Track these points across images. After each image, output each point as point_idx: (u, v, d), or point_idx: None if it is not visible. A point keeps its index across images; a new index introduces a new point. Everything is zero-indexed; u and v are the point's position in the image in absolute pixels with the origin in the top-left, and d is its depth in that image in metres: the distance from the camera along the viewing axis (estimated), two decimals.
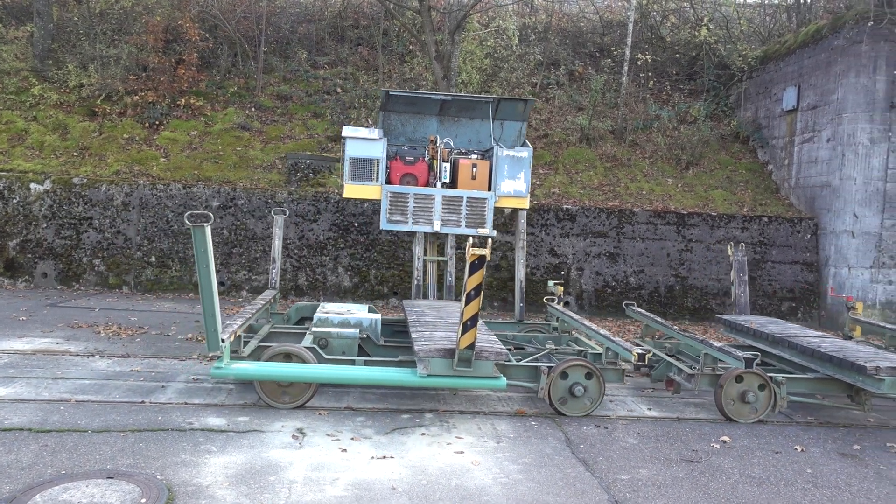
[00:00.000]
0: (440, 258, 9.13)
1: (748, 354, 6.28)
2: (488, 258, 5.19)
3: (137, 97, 13.36)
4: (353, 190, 8.26)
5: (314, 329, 6.65)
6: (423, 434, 5.45)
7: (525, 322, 8.93)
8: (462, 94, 9.45)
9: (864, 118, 11.71)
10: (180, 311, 9.97)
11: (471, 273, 5.15)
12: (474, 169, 8.29)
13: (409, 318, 6.94)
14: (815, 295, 12.43)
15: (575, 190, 13.16)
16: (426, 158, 8.57)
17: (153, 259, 11.63)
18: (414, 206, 8.25)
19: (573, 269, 12.27)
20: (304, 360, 5.88)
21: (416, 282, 8.63)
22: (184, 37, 13.88)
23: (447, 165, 8.44)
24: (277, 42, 15.81)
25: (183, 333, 8.55)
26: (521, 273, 8.88)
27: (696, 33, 15.70)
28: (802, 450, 5.63)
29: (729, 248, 9.31)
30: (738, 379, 6.29)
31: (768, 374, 6.35)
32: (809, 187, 12.88)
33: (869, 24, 11.67)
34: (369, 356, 6.74)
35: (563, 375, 6.09)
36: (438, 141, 8.49)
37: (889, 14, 11.56)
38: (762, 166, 14.41)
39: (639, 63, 15.29)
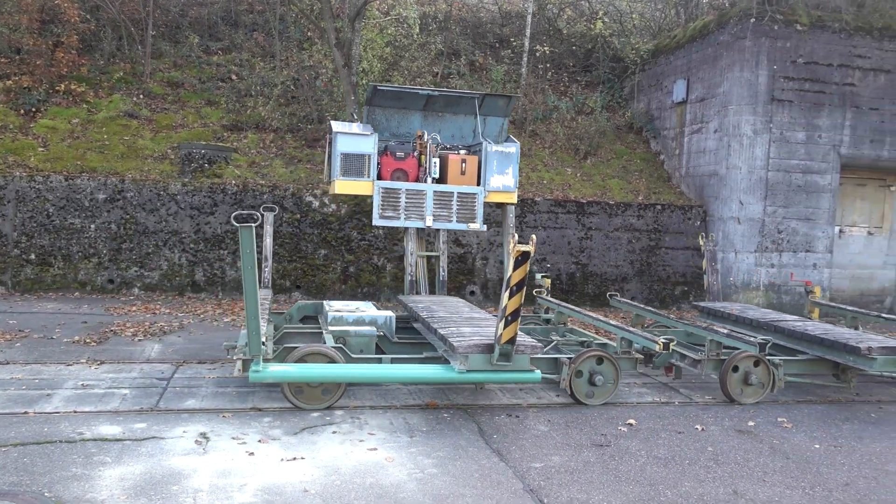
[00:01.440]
0: (432, 253, 9.10)
1: (761, 339, 6.67)
2: (532, 254, 5.17)
3: (10, 82, 12.37)
4: (345, 186, 8.09)
5: (331, 328, 6.48)
6: (335, 432, 5.30)
7: None
8: (448, 89, 9.35)
9: (748, 110, 12.35)
10: (65, 312, 9.32)
11: (514, 268, 5.16)
12: (464, 164, 8.27)
13: (422, 314, 6.88)
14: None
15: None
16: (415, 154, 8.49)
17: (33, 256, 10.81)
18: (406, 202, 8.18)
19: (478, 259, 12.33)
20: (333, 360, 5.78)
21: (409, 277, 8.57)
22: (62, 17, 12.95)
23: (437, 161, 8.36)
24: (166, 26, 15.03)
25: (69, 336, 7.99)
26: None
27: (592, 26, 16.09)
28: (703, 429, 5.86)
29: (700, 238, 9.71)
30: (737, 366, 6.63)
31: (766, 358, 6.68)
32: (698, 176, 13.48)
33: (752, 21, 12.28)
34: (384, 353, 6.58)
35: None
36: (426, 136, 8.42)
37: (770, 11, 12.21)
38: (655, 156, 14.96)
39: (537, 55, 15.52)
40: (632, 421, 5.92)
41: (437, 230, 8.82)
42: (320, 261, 11.71)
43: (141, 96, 13.40)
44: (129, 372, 6.72)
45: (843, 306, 9.10)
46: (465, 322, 6.47)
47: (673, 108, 14.41)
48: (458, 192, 8.31)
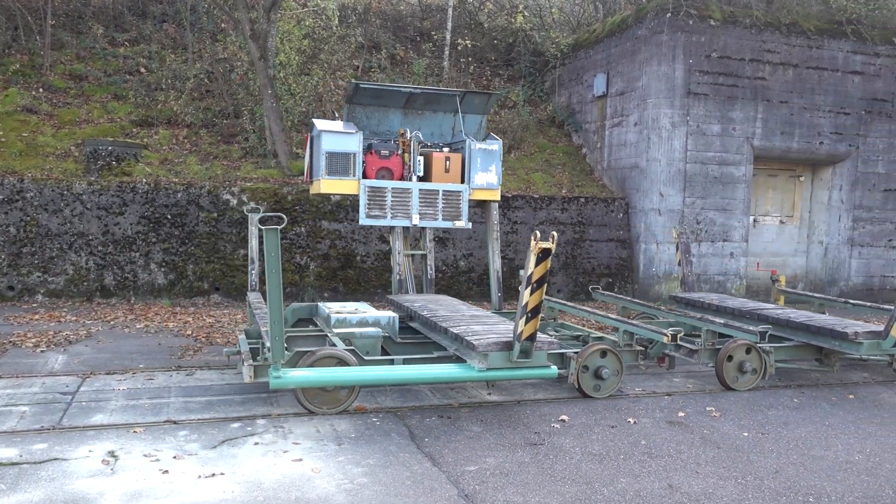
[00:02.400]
0: (419, 251, 8.97)
1: (761, 327, 6.91)
2: (553, 251, 5.23)
3: None
4: (330, 185, 7.91)
5: (336, 330, 6.31)
6: (257, 443, 4.99)
7: (503, 312, 8.66)
8: (429, 87, 9.18)
9: (666, 103, 12.56)
10: None
11: (536, 264, 5.22)
12: (447, 162, 8.20)
13: (423, 313, 6.84)
14: (629, 270, 13.22)
15: None
16: (399, 152, 8.34)
17: None
18: (392, 201, 8.07)
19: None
20: (346, 363, 5.66)
21: (397, 276, 8.49)
22: None
23: (421, 159, 8.29)
24: (67, 15, 14.15)
25: None
26: (497, 263, 8.85)
27: (513, 20, 16.08)
28: (635, 422, 5.83)
29: (674, 231, 9.92)
30: (731, 354, 6.84)
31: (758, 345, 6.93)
32: (620, 169, 13.65)
33: (668, 16, 12.50)
34: (388, 354, 6.43)
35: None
36: (408, 134, 8.32)
37: (685, 6, 12.45)
38: (577, 149, 15.08)
39: (459, 48, 15.40)
40: (564, 417, 5.84)
41: (423, 228, 8.76)
42: (240, 261, 11.24)
43: (40, 90, 12.57)
44: (29, 387, 6.20)
45: (811, 294, 9.64)
46: (472, 320, 6.45)
47: (594, 101, 14.55)
48: (444, 190, 8.24)
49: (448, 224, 8.30)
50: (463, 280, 12.29)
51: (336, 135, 7.85)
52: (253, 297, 7.64)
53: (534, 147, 14.74)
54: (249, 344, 6.27)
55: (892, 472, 4.97)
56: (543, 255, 5.21)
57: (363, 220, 8.02)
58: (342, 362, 5.67)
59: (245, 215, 11.22)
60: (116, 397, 5.98)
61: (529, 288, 5.29)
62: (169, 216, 10.98)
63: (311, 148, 8.28)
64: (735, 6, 13.12)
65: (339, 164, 7.84)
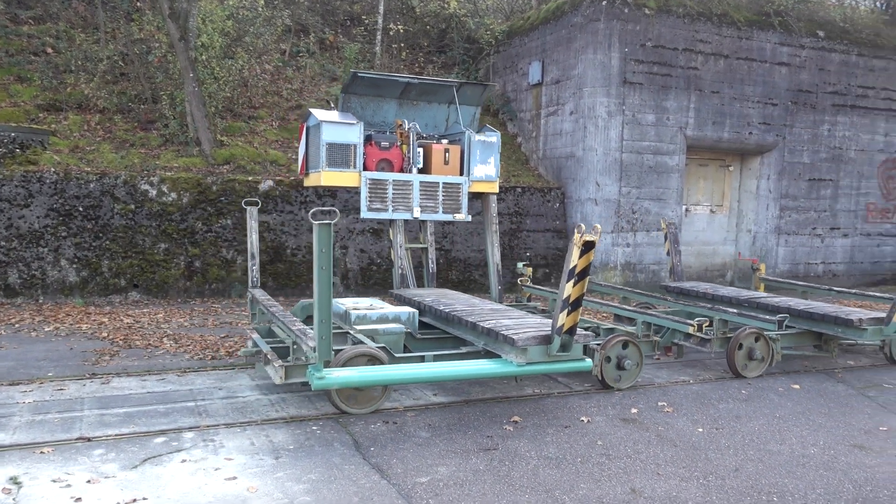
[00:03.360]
0: (419, 245, 8.83)
1: (779, 316, 7.07)
2: (597, 244, 5.25)
3: None
4: (331, 177, 7.64)
5: (359, 327, 6.18)
6: (185, 461, 4.50)
7: (514, 305, 8.51)
8: (426, 77, 8.93)
9: (602, 92, 12.45)
10: None
11: (580, 256, 5.20)
12: (447, 154, 8.02)
13: (441, 308, 6.73)
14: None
15: None
16: (398, 143, 8.10)
17: None
18: (393, 193, 7.85)
19: (337, 248, 11.62)
20: (380, 361, 5.52)
21: (399, 271, 8.31)
22: None
23: (420, 151, 8.10)
24: None
25: None
26: (496, 256, 8.75)
27: (446, 5, 15.70)
28: (588, 420, 5.60)
29: (662, 222, 10.04)
30: (741, 343, 7.00)
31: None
32: (556, 158, 13.50)
33: (603, 3, 12.37)
34: (410, 351, 6.34)
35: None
36: (406, 125, 8.08)
37: None
38: (512, 138, 14.86)
39: (391, 33, 14.93)
40: (516, 418, 5.56)
41: (424, 222, 8.63)
42: (160, 256, 10.53)
43: None
44: None
45: (794, 282, 9.96)
46: (497, 314, 6.37)
47: (529, 90, 14.35)
48: (444, 183, 8.08)
49: (448, 217, 8.13)
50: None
51: (337, 125, 7.54)
52: (259, 294, 7.29)
53: None
54: (269, 343, 6.12)
55: (848, 465, 4.89)
56: (587, 247, 5.17)
57: (364, 214, 7.79)
58: (373, 360, 5.52)
59: (165, 208, 10.52)
60: (20, 412, 5.34)
61: (572, 280, 5.21)
62: (81, 208, 10.16)
63: (307, 139, 7.93)
64: None
65: (339, 155, 7.55)
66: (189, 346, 7.51)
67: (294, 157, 12.33)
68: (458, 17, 15.61)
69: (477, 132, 8.45)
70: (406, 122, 8.15)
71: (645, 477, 4.57)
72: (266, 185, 11.29)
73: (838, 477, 4.68)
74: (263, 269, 11.07)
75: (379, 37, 14.65)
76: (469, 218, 8.42)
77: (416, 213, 7.95)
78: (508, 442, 5.07)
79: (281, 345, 6.12)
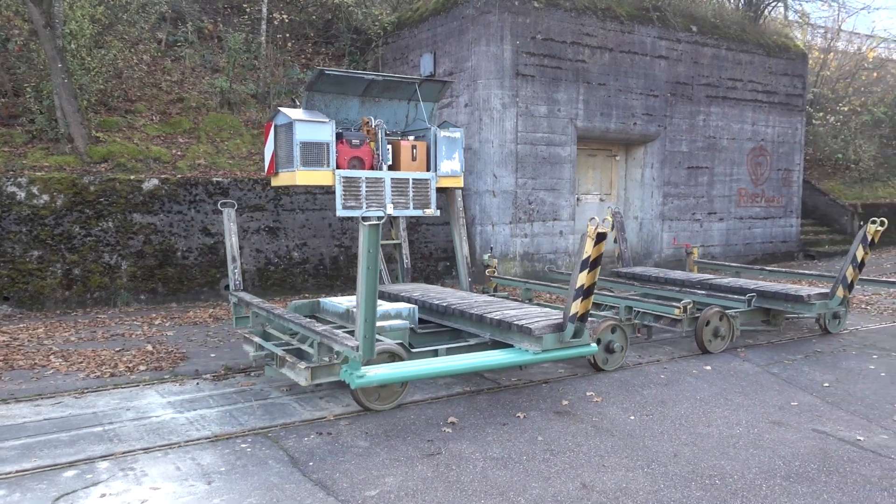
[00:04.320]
0: (393, 241, 8.94)
1: (748, 295, 7.90)
2: (608, 236, 5.59)
3: None
4: (306, 176, 7.53)
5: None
6: (105, 495, 4.04)
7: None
8: (389, 74, 8.85)
9: (496, 84, 12.51)
10: None
11: (593, 246, 5.53)
12: (414, 150, 8.15)
13: (433, 301, 7.01)
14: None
15: (223, 160, 11.83)
16: (368, 141, 8.08)
17: None
18: (366, 191, 7.87)
19: None
20: (400, 357, 5.68)
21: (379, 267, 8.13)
22: None
23: (390, 147, 8.17)
24: None
25: None
26: (465, 249, 8.95)
27: None
28: (524, 416, 5.55)
29: (608, 211, 10.49)
30: (708, 320, 7.55)
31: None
32: None
33: None
34: (412, 346, 6.29)
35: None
36: (372, 122, 8.13)
37: None
38: None
39: (275, 23, 14.34)
40: (453, 419, 5.42)
41: (396, 218, 8.76)
42: (33, 264, 9.58)
43: None
44: None
45: (729, 263, 11.04)
46: (497, 305, 6.71)
47: None
48: (413, 179, 8.17)
49: (419, 212, 8.24)
50: (297, 272, 11.47)
51: (310, 124, 7.49)
52: (248, 297, 7.17)
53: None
54: (279, 345, 6.18)
55: (773, 442, 5.11)
56: (599, 238, 5.50)
57: (340, 212, 7.73)
58: (393, 356, 5.66)
59: (37, 211, 9.58)
60: None
61: (585, 270, 5.55)
62: None
63: (276, 137, 7.85)
64: None
65: (313, 154, 7.49)
66: (81, 363, 6.84)
67: (179, 153, 11.59)
68: (345, 7, 15.21)
69: (453, 127, 8.60)
70: (372, 119, 8.20)
71: (592, 470, 4.57)
72: (150, 183, 10.53)
73: (767, 454, 4.88)
74: (151, 274, 10.34)
75: (264, 26, 14.02)
76: (438, 212, 8.54)
77: (389, 210, 8.00)
78: (451, 444, 4.93)
79: (287, 347, 6.15)
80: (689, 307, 7.41)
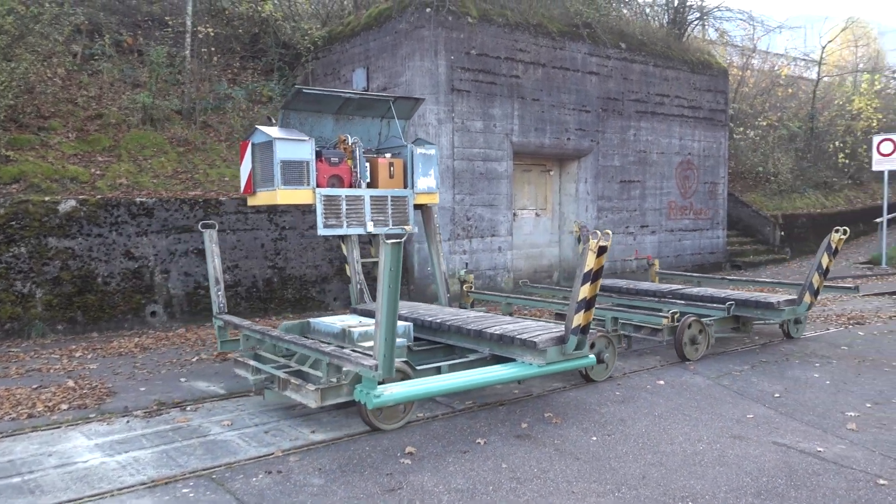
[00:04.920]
0: (373, 259, 8.87)
1: (728, 303, 8.18)
2: (608, 249, 5.67)
3: None
4: (287, 195, 7.41)
5: (363, 344, 6.05)
6: None
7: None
8: (365, 92, 8.85)
9: (432, 100, 12.34)
10: None
11: (594, 259, 5.65)
12: (392, 168, 8.17)
13: (426, 318, 7.03)
14: (404, 271, 12.82)
15: (147, 180, 11.21)
16: (346, 159, 8.06)
17: None
18: (346, 209, 7.82)
19: (157, 273, 10.42)
20: (408, 375, 5.75)
21: (358, 286, 8.24)
22: None
23: (368, 164, 8.13)
24: None
25: None
26: (443, 265, 8.92)
27: (259, 8, 14.81)
28: (485, 442, 5.31)
29: (575, 225, 10.91)
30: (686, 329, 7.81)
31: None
32: None
33: (428, 10, 12.27)
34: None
35: (591, 346, 6.83)
36: (349, 140, 8.07)
37: (439, 1, 12.31)
38: None
39: (200, 36, 13.79)
40: (410, 449, 5.13)
41: (375, 236, 8.59)
42: None
43: None
44: None
45: (687, 274, 11.43)
46: (487, 320, 6.77)
47: None
48: (392, 196, 8.17)
49: (399, 230, 8.23)
50: (229, 296, 10.92)
51: (290, 142, 7.39)
52: (236, 319, 7.09)
53: None
54: (279, 368, 6.10)
55: (738, 457, 5.03)
56: (600, 251, 5.61)
57: (321, 231, 7.67)
58: (402, 374, 5.69)
59: None
60: None
61: (588, 283, 5.67)
62: None
63: (253, 156, 7.69)
64: (489, 4, 13.34)
65: (293, 172, 7.39)
66: None
67: (98, 172, 10.91)
68: (272, 21, 14.79)
69: (428, 144, 8.65)
70: (349, 137, 8.14)
71: (562, 498, 4.36)
72: (67, 205, 9.86)
73: (734, 471, 4.78)
74: (70, 303, 9.63)
75: (188, 40, 13.45)
76: (416, 229, 8.63)
77: (370, 228, 7.97)
78: (411, 477, 4.64)
79: (288, 369, 6.04)
80: (675, 316, 7.75)
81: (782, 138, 22.19)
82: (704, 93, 16.96)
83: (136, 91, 12.67)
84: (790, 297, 8.52)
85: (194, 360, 8.08)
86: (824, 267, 8.36)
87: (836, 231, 8.25)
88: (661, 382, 6.99)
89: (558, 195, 15.18)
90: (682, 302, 8.69)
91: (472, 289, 9.57)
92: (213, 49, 14.06)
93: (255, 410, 6.09)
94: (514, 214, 14.23)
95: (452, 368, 6.15)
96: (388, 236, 4.70)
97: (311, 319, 7.06)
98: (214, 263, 7.37)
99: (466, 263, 12.74)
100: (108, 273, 10.02)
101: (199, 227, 7.51)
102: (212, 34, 13.86)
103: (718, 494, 4.42)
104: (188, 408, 6.20)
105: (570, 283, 14.64)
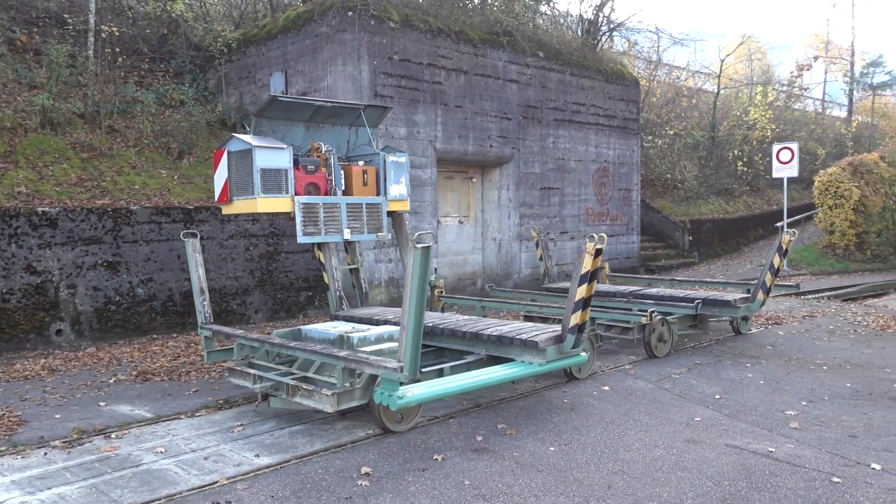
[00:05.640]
0: (351, 266, 8.81)
1: (697, 301, 8.85)
2: (603, 251, 5.87)
3: None
4: (267, 204, 7.38)
5: (365, 349, 6.07)
6: None
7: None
8: (337, 100, 8.51)
9: None
10: None
11: (591, 261, 5.82)
12: (365, 175, 8.22)
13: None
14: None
15: (48, 188, 10.38)
16: (321, 166, 8.04)
17: None
18: (324, 216, 7.81)
19: (62, 288, 9.65)
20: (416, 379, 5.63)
21: (337, 293, 8.35)
22: None
23: (343, 172, 8.16)
24: None
25: None
26: None
27: (169, 8, 14.09)
28: (442, 458, 5.09)
29: (533, 231, 11.33)
30: (654, 328, 8.28)
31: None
32: None
33: (350, 14, 11.99)
34: None
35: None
36: (323, 148, 8.05)
37: (371, 5, 12.06)
38: None
39: (104, 36, 12.97)
40: (367, 469, 4.85)
41: (353, 242, 8.72)
42: None
43: None
44: None
45: (637, 276, 12.38)
46: (477, 322, 6.94)
47: None
48: (367, 203, 8.22)
49: (372, 236, 8.36)
50: (143, 311, 10.25)
51: (269, 150, 7.36)
52: (227, 329, 7.06)
53: (208, 152, 13.06)
54: (283, 375, 6.18)
55: (696, 462, 5.03)
56: (597, 253, 5.79)
57: (301, 238, 7.62)
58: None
59: None
60: None
61: (584, 283, 5.87)
62: None
63: (229, 164, 7.59)
64: (411, 9, 13.18)
65: (272, 181, 7.35)
66: None
67: None
68: (184, 21, 14.10)
69: (399, 152, 8.72)
70: (322, 145, 8.11)
71: None
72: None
73: (696, 476, 4.77)
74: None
75: (91, 39, 12.62)
76: (390, 236, 8.76)
77: (347, 235, 8.02)
78: (372, 500, 4.37)
79: (292, 376, 6.15)
80: (653, 315, 8.28)
81: (687, 147, 23.10)
82: (618, 102, 17.40)
83: (34, 93, 11.75)
84: (745, 296, 9.12)
85: (112, 381, 7.48)
86: (776, 266, 8.98)
87: (786, 233, 8.83)
88: (606, 388, 6.98)
89: (481, 202, 15.17)
90: (652, 301, 9.23)
91: (443, 293, 9.76)
92: (117, 49, 13.25)
93: (189, 435, 5.64)
94: (439, 222, 14.10)
95: (454, 370, 6.28)
96: (418, 241, 4.80)
97: (302, 327, 7.01)
98: (199, 273, 7.22)
99: (436, 269, 12.49)
100: (8, 289, 9.19)
101: (182, 236, 7.38)
102: (116, 34, 13.07)
103: (686, 501, 4.38)
104: (113, 435, 5.68)
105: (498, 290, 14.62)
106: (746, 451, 5.23)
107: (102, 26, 12.91)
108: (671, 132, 23.23)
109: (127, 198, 10.85)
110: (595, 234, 5.86)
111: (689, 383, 7.20)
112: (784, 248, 8.88)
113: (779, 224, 19.15)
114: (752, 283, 9.85)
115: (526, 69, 14.94)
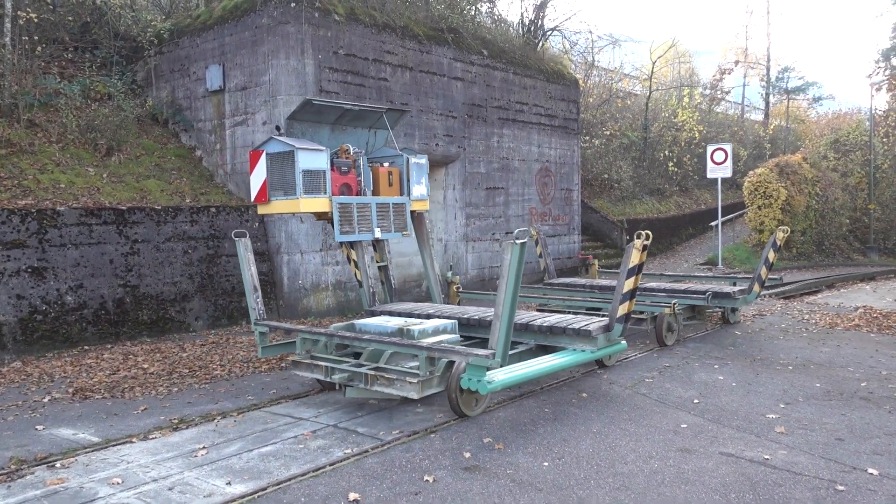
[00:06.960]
0: (381, 263, 8.94)
1: (708, 293, 9.62)
2: (648, 246, 6.42)
3: None
4: (308, 204, 7.59)
5: (427, 340, 6.33)
6: None
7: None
8: (364, 104, 8.94)
9: (299, 101, 11.48)
10: None
11: (637, 256, 6.40)
12: (391, 176, 8.41)
13: (458, 316, 7.49)
14: (272, 284, 11.85)
15: None
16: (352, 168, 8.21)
17: None
18: (357, 216, 8.00)
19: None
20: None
21: (370, 290, 8.51)
22: None
23: (371, 173, 8.34)
24: None
25: None
26: (436, 268, 9.30)
27: None
28: (433, 479, 4.73)
29: (532, 230, 11.54)
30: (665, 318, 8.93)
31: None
32: (248, 174, 12.13)
33: (292, 5, 11.45)
34: None
35: None
36: (351, 150, 8.24)
37: None
38: (190, 151, 13.05)
39: (21, 22, 11.97)
40: (355, 496, 4.45)
41: (381, 241, 8.88)
42: None
43: None
44: None
45: (616, 271, 13.17)
46: (522, 315, 7.42)
47: (207, 97, 12.72)
48: (393, 203, 8.41)
49: (398, 235, 8.52)
50: (73, 320, 9.45)
51: (310, 152, 7.54)
52: (286, 324, 7.57)
53: (139, 149, 12.25)
54: (352, 365, 6.45)
55: (696, 473, 4.85)
56: (643, 248, 6.35)
57: (339, 237, 7.85)
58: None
59: None
60: None
61: (632, 277, 6.43)
62: None
63: (269, 165, 7.68)
64: (356, 2, 12.71)
65: (313, 181, 7.54)
66: None
67: None
68: (108, 10, 13.18)
69: (420, 154, 8.89)
70: (351, 147, 8.26)
71: None
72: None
73: (700, 489, 4.59)
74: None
75: (8, 26, 11.60)
76: (412, 234, 8.87)
77: (377, 234, 8.18)
78: None
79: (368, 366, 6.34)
80: (676, 306, 9.03)
81: (622, 147, 23.40)
82: (559, 102, 17.39)
83: None
84: (743, 288, 9.92)
85: (46, 400, 6.78)
86: (770, 261, 9.59)
87: (781, 230, 9.45)
88: (584, 395, 6.77)
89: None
90: (664, 294, 9.83)
91: (461, 289, 10.47)
92: (36, 38, 12.26)
93: (146, 462, 5.09)
94: None
95: (511, 359, 6.47)
96: (517, 238, 5.19)
97: (355, 321, 7.34)
98: (251, 271, 7.48)
99: (451, 266, 11.99)
100: None
101: (233, 235, 7.56)
102: (35, 20, 12.09)
103: None
104: (58, 464, 5.07)
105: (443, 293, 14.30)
106: (743, 460, 5.09)
107: (19, 12, 11.90)
108: (607, 132, 23.49)
109: (52, 198, 10.00)
110: (642, 232, 6.36)
111: (664, 387, 7.08)
112: (779, 244, 9.52)
113: (712, 223, 19.59)
114: (738, 277, 11.11)
115: (471, 67, 14.70)
